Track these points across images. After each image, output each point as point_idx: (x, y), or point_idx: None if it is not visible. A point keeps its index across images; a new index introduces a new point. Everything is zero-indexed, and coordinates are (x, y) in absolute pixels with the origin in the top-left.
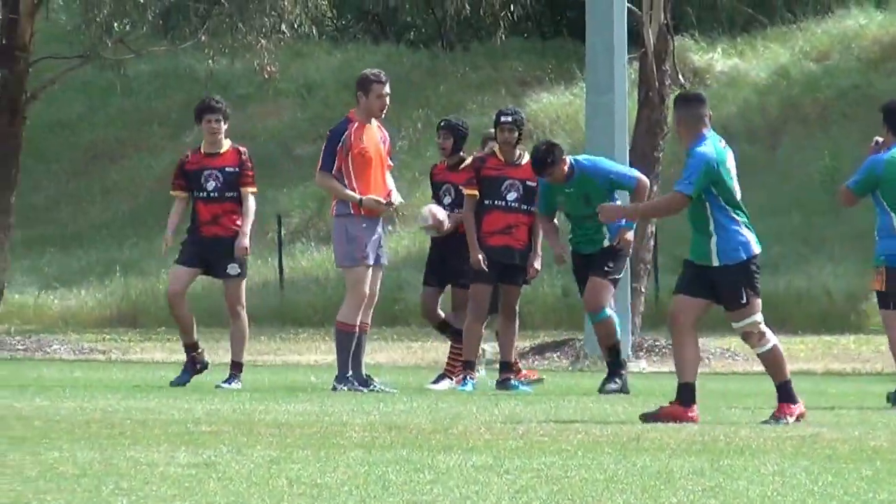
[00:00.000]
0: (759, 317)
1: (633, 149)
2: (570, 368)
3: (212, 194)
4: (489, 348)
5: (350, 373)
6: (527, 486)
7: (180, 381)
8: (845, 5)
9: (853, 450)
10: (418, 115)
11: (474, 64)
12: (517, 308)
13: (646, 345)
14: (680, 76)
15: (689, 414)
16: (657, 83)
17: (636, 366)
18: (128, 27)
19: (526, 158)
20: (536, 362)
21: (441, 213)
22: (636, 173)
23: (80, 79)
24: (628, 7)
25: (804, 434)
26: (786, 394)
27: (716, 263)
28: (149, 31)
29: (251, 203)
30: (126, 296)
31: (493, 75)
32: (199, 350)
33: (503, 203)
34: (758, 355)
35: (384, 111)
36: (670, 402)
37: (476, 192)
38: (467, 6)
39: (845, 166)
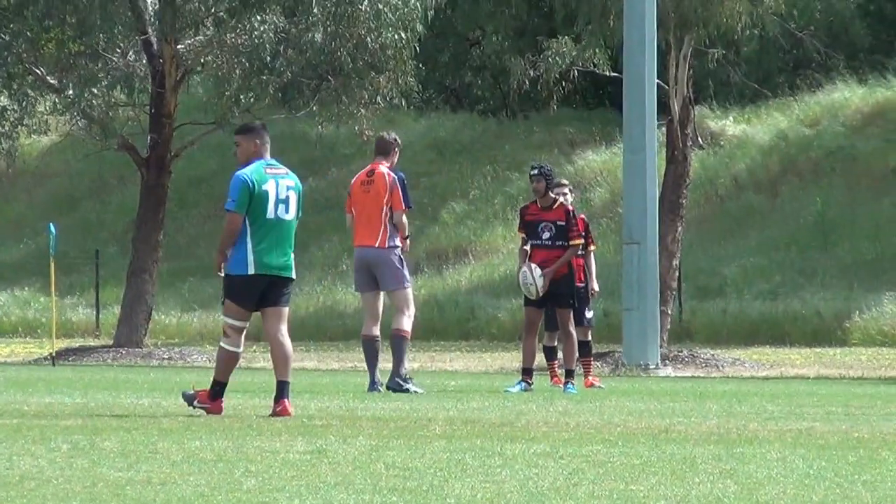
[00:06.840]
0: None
1: (662, 197)
2: (610, 374)
3: None
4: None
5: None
6: (577, 469)
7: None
8: (833, 81)
9: (841, 440)
10: (487, 169)
11: (532, 129)
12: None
13: (671, 355)
14: (699, 138)
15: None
16: (681, 144)
17: (664, 371)
18: (252, 99)
19: (558, 203)
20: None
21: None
22: None
23: (213, 141)
24: (658, 83)
25: (801, 427)
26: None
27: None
28: (269, 102)
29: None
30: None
31: (547, 138)
32: None
33: (539, 242)
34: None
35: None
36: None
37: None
38: (527, 82)
39: (833, 211)
